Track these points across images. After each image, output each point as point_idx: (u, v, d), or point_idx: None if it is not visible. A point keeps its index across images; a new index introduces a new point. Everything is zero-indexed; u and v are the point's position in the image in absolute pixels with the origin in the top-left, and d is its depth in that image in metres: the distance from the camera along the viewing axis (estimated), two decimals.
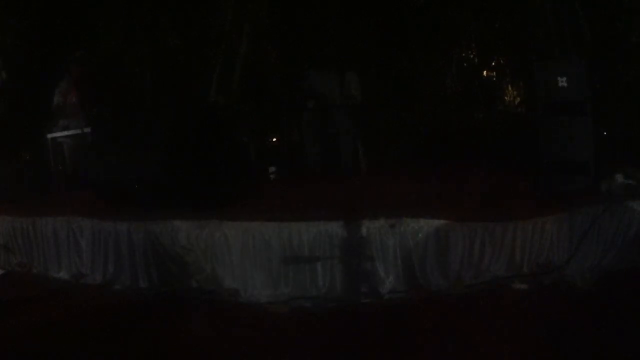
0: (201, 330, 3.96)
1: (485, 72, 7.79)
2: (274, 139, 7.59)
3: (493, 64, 7.72)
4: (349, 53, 7.27)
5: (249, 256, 4.62)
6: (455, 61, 7.89)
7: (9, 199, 6.23)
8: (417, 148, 7.01)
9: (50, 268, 5.36)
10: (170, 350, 3.61)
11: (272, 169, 7.33)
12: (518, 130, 6.77)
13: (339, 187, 5.91)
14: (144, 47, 6.65)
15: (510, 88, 7.50)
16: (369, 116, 7.30)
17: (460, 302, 4.19)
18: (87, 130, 6.69)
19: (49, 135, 7.09)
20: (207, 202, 5.06)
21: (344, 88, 7.14)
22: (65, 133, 7.02)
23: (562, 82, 5.18)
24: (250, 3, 6.50)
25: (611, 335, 3.45)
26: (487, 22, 7.26)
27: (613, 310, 3.85)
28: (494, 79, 7.69)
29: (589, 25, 5.99)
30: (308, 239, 4.52)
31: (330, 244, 4.49)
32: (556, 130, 5.15)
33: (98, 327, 4.04)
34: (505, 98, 7.55)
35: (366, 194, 5.46)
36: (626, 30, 5.98)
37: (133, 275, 4.90)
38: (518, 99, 7.41)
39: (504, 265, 4.47)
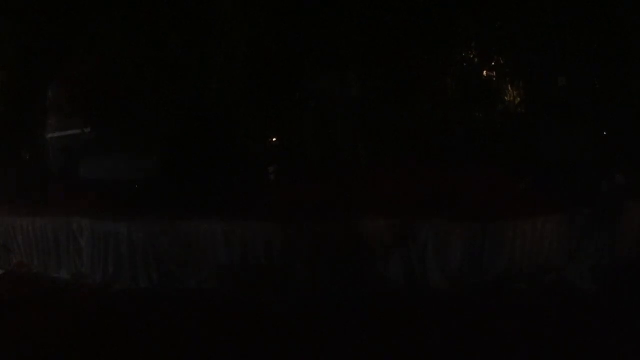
0: (201, 329, 3.96)
1: (485, 72, 7.77)
2: (274, 139, 7.59)
3: (493, 64, 7.69)
4: (349, 53, 7.27)
5: (249, 255, 4.64)
6: (456, 61, 7.87)
7: (9, 199, 6.23)
8: (417, 148, 7.00)
9: (50, 268, 5.37)
10: (169, 350, 3.62)
11: (272, 168, 7.32)
12: (518, 130, 6.77)
13: (339, 186, 5.91)
14: (143, 47, 6.64)
15: (510, 88, 7.47)
16: (369, 116, 7.29)
17: (460, 302, 4.20)
18: (86, 130, 6.71)
19: (49, 136, 7.11)
20: (206, 201, 5.06)
21: (344, 88, 7.15)
22: (65, 133, 7.03)
23: (562, 82, 5.19)
24: (251, 3, 6.49)
25: (611, 334, 3.45)
26: (488, 22, 7.25)
27: (613, 310, 3.85)
28: (494, 79, 7.67)
29: (589, 25, 5.99)
30: (308, 237, 4.54)
31: (330, 243, 4.51)
32: (556, 130, 5.16)
33: (98, 327, 4.04)
34: (505, 98, 7.53)
35: (366, 194, 5.46)
36: (626, 30, 5.98)
37: (133, 275, 4.90)
38: (518, 99, 7.40)
39: (504, 265, 4.48)
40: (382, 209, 4.65)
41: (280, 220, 4.67)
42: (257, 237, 4.61)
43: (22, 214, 5.58)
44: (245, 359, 3.51)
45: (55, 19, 7.34)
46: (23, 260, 5.53)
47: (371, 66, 7.48)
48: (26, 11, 7.37)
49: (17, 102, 7.74)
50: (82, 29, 7.19)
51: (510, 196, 5.06)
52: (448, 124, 7.33)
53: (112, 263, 4.99)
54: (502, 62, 7.56)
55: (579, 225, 4.49)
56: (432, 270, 4.46)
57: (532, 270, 4.47)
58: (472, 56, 7.84)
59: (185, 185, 5.25)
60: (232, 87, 6.32)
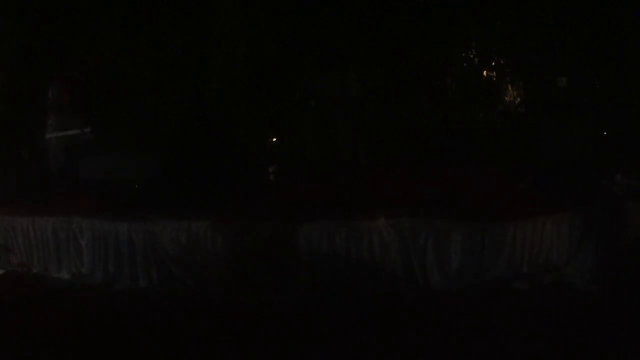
0: (201, 329, 3.96)
1: (485, 72, 7.78)
2: (274, 139, 7.60)
3: (493, 64, 7.70)
4: (349, 53, 7.27)
5: (249, 255, 4.63)
6: (456, 61, 7.88)
7: (9, 199, 6.23)
8: (417, 148, 7.01)
9: (50, 268, 5.37)
10: (169, 350, 3.62)
11: (272, 168, 7.33)
12: (518, 130, 6.79)
13: (339, 186, 5.91)
14: (143, 47, 6.65)
15: (510, 88, 7.48)
16: (369, 116, 7.30)
17: (460, 302, 4.20)
18: (86, 130, 6.72)
19: (49, 136, 7.12)
20: (207, 201, 5.07)
21: (344, 88, 7.15)
22: (65, 133, 7.03)
23: (562, 82, 5.19)
24: (251, 3, 6.50)
25: (611, 334, 3.45)
26: (488, 22, 7.25)
27: (613, 310, 3.86)
28: (494, 79, 7.67)
29: (589, 25, 5.99)
30: (308, 237, 4.54)
31: (330, 243, 4.51)
32: (556, 130, 5.16)
33: (98, 327, 4.04)
34: (505, 98, 7.54)
35: (366, 194, 5.46)
36: (626, 30, 5.99)
37: (133, 275, 4.90)
38: (518, 99, 7.40)
39: (504, 265, 4.48)
40: (382, 209, 4.65)
41: (280, 220, 4.66)
42: (257, 237, 4.61)
43: (22, 214, 5.57)
44: (245, 359, 3.51)
45: (55, 19, 7.34)
46: (23, 260, 5.53)
47: (371, 66, 7.49)
48: (26, 11, 7.37)
49: (17, 102, 7.75)
50: (82, 29, 7.19)
51: (510, 196, 5.06)
52: (448, 124, 7.33)
53: (112, 263, 4.99)
54: (502, 62, 7.56)
55: (579, 225, 4.48)
56: (432, 270, 4.46)
57: (532, 270, 4.47)
58: (472, 56, 7.84)
59: (185, 185, 5.25)
60: (232, 87, 6.32)
